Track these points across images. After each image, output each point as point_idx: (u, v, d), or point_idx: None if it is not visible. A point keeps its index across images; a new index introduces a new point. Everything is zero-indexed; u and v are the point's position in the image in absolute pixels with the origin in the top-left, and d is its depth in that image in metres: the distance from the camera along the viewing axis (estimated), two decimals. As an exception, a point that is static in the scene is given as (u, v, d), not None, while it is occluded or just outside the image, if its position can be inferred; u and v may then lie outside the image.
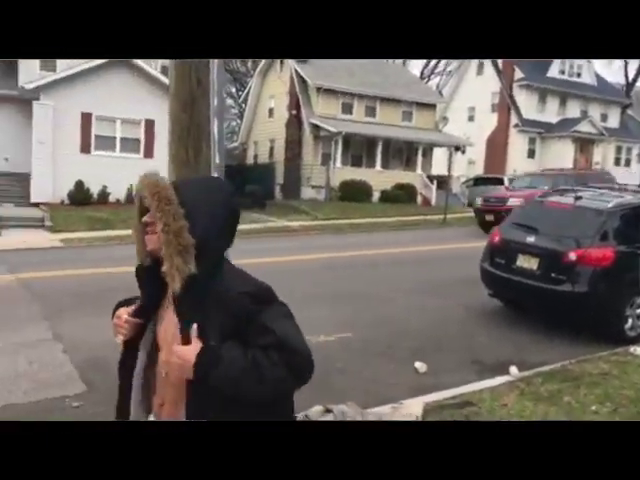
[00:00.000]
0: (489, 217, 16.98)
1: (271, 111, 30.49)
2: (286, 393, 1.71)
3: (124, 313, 1.78)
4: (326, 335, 6.60)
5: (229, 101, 42.08)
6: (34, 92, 19.39)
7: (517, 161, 32.68)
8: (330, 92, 26.14)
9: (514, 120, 33.30)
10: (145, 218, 1.70)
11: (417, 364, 5.71)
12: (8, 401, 4.61)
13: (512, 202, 16.31)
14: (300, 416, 4.07)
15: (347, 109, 27.00)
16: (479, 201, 18.20)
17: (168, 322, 1.73)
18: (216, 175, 3.07)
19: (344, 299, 8.43)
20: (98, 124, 20.46)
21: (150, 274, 1.73)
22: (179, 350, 1.59)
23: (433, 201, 25.48)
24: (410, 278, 10.03)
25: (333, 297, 8.56)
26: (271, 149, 30.05)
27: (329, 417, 4.05)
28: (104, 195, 20.07)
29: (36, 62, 20.54)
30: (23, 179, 19.57)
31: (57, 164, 19.36)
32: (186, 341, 1.60)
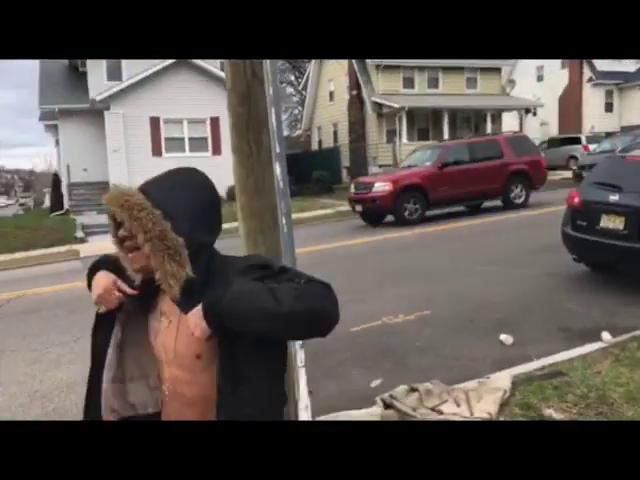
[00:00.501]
0: (358, 208, 14.68)
1: (331, 94, 30.38)
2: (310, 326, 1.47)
3: (113, 285, 1.59)
4: (405, 314, 6.55)
5: (289, 89, 42.25)
6: (104, 103, 20.23)
7: (594, 117, 31.03)
8: (390, 68, 25.72)
9: (587, 74, 31.57)
10: (120, 232, 1.53)
11: (502, 336, 5.56)
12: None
13: (378, 188, 13.96)
14: (385, 396, 4.07)
15: (409, 83, 26.51)
16: (352, 188, 15.49)
17: (167, 336, 1.58)
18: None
19: (421, 277, 8.33)
20: (166, 127, 21.12)
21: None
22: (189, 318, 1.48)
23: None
24: (488, 249, 9.78)
25: (409, 276, 8.47)
26: (335, 133, 29.99)
27: (414, 396, 4.02)
28: (178, 194, 20.73)
29: (103, 73, 21.40)
30: (102, 187, 20.51)
31: (132, 170, 20.16)
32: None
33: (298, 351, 2.89)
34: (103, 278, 1.61)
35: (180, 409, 1.60)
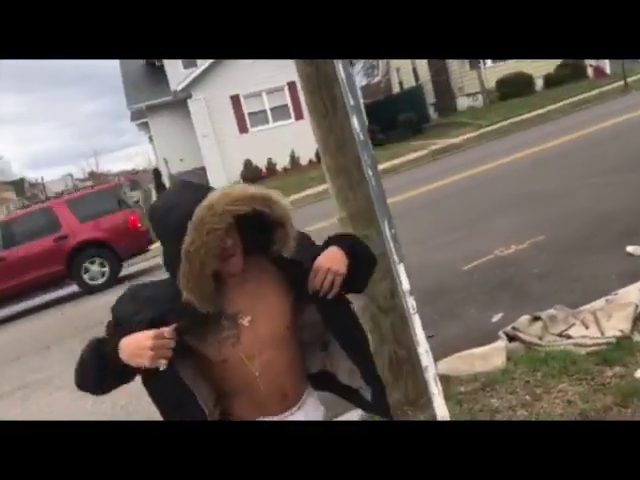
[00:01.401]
0: None
1: (404, 33, 29.28)
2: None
3: (157, 334, 1.43)
4: (517, 244, 6.32)
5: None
6: (185, 91, 20.85)
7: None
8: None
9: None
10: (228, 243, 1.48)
11: (629, 248, 5.21)
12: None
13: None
14: (508, 329, 3.98)
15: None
16: None
17: (257, 328, 1.55)
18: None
19: (528, 202, 7.97)
20: (247, 102, 21.43)
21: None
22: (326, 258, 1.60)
23: (608, 69, 22.68)
24: (598, 160, 9.14)
25: (516, 204, 8.13)
26: (414, 70, 28.99)
27: (538, 325, 3.89)
28: (271, 167, 21.10)
29: (178, 63, 21.95)
30: (200, 173, 21.30)
31: (223, 151, 20.75)
32: None
33: (408, 298, 2.88)
34: (140, 335, 1.44)
35: (279, 380, 1.61)
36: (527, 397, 3.16)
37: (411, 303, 2.90)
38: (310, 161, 19.89)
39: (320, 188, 14.06)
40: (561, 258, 5.56)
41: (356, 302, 3.54)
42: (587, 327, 3.69)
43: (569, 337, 3.67)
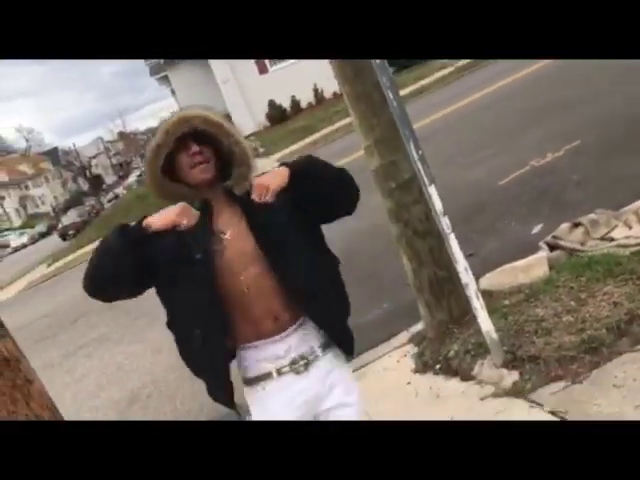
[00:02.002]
0: None
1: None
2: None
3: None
4: (553, 152, 6.15)
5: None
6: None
7: None
8: None
9: None
10: (194, 147, 1.69)
11: (668, 144, 5.03)
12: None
13: None
14: (549, 238, 3.93)
15: None
16: None
17: (239, 243, 1.69)
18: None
19: (561, 110, 7.67)
20: (263, 41, 20.99)
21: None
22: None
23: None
24: (615, 63, 8.65)
25: (548, 112, 7.83)
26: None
27: (579, 230, 3.84)
28: (296, 104, 20.80)
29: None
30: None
31: (245, 94, 20.52)
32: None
33: (442, 218, 2.87)
34: (181, 204, 1.70)
35: (267, 300, 1.70)
36: (572, 303, 3.16)
37: (445, 223, 2.90)
38: (335, 94, 19.51)
39: (348, 120, 13.86)
40: (599, 161, 5.40)
41: (391, 230, 3.56)
42: (630, 227, 3.62)
43: (612, 239, 3.61)
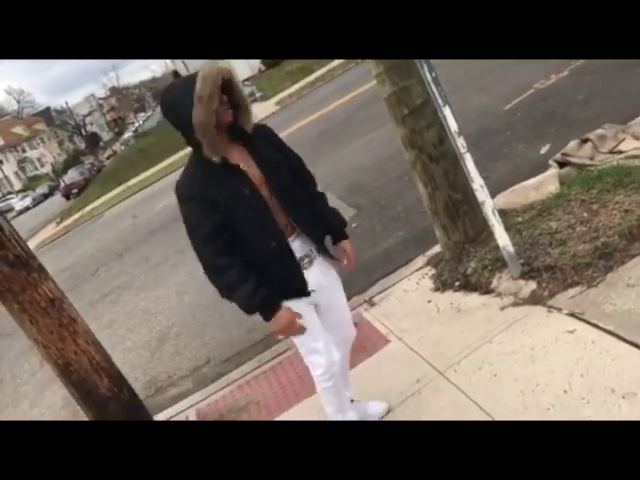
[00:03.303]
0: None
1: None
2: None
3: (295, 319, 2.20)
4: (557, 73, 6.14)
5: None
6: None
7: None
8: None
9: None
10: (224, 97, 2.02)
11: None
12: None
13: None
14: (557, 156, 4.02)
15: None
16: None
17: (251, 169, 2.12)
18: None
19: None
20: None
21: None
22: None
23: None
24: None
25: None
26: None
27: (588, 146, 3.91)
28: (290, 45, 20.47)
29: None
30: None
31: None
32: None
33: (457, 138, 2.95)
34: (289, 314, 2.17)
35: (278, 215, 2.18)
36: (584, 214, 3.28)
37: (461, 143, 2.99)
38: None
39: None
40: (604, 78, 5.42)
41: (406, 156, 3.65)
42: (638, 139, 3.70)
43: (620, 152, 3.70)
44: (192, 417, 3.65)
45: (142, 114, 67.52)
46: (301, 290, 2.25)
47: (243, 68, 20.18)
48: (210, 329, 4.74)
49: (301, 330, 2.21)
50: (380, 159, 5.99)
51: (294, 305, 2.23)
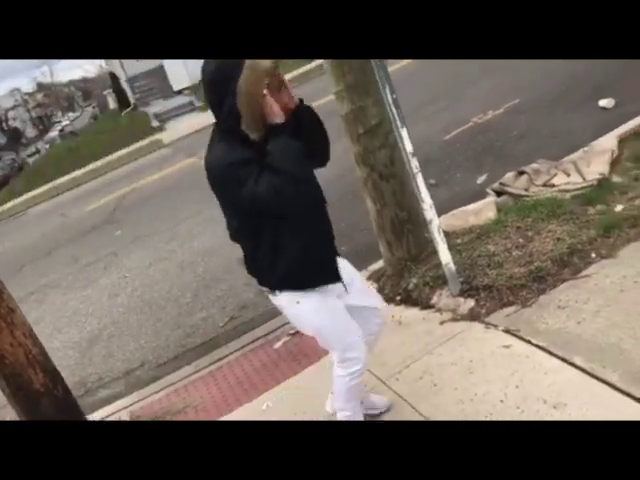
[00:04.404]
0: None
1: None
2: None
3: None
4: (494, 110, 6.52)
5: None
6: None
7: None
8: None
9: None
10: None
11: (602, 102, 5.46)
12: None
13: None
14: (495, 185, 4.28)
15: None
16: None
17: None
18: None
19: (500, 69, 8.04)
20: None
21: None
22: None
23: None
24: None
25: (487, 71, 8.20)
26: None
27: (523, 178, 4.19)
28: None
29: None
30: (160, 74, 20.56)
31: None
32: None
33: (411, 159, 3.11)
34: None
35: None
36: (520, 240, 3.51)
37: (415, 164, 3.15)
38: (272, 50, 19.34)
39: (302, 69, 13.87)
40: (537, 118, 5.81)
41: (358, 173, 3.78)
42: (569, 175, 4.01)
43: (553, 186, 3.99)
44: (125, 419, 3.57)
45: (71, 114, 65.07)
46: (336, 274, 2.21)
47: (182, 76, 20.01)
48: (145, 332, 4.66)
49: None
50: (327, 178, 6.11)
51: (325, 298, 2.17)
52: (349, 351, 2.28)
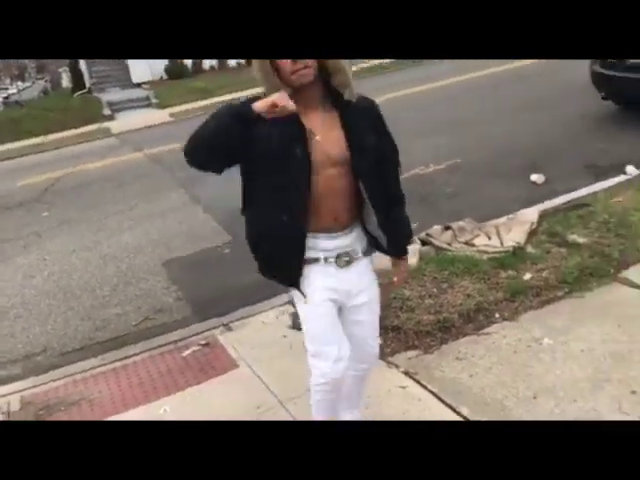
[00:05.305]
0: None
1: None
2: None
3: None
4: (435, 164, 6.83)
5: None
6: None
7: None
8: None
9: None
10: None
11: (533, 177, 5.84)
12: (169, 256, 5.43)
13: None
14: (422, 235, 4.50)
15: None
16: None
17: (326, 145, 1.95)
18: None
19: (449, 128, 8.45)
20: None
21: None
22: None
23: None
24: (516, 96, 9.72)
25: (437, 128, 8.60)
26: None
27: (448, 233, 4.43)
28: (198, 64, 20.41)
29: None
30: (120, 62, 20.24)
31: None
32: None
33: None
34: (280, 92, 1.84)
35: (333, 201, 2.01)
36: (434, 290, 3.71)
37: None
38: (238, 64, 19.47)
39: (251, 92, 13.95)
40: (473, 180, 6.14)
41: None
42: (489, 238, 4.27)
43: (473, 245, 4.24)
44: (15, 403, 3.48)
45: (20, 83, 62.58)
46: (293, 283, 2.10)
47: (144, 70, 19.79)
48: (54, 319, 4.55)
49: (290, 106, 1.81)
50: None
51: (313, 294, 2.07)
52: (316, 358, 2.17)
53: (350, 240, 2.11)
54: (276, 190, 1.98)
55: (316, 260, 2.08)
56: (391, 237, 2.17)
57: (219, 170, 2.01)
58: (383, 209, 2.10)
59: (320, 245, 2.07)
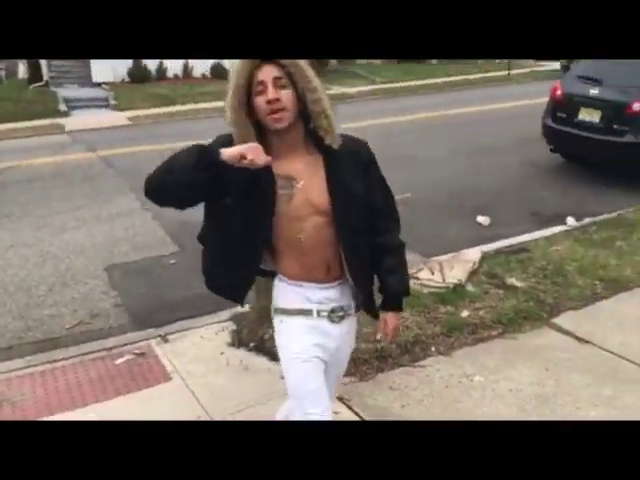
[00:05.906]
0: None
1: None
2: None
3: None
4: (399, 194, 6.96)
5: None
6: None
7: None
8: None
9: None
10: (275, 74, 1.72)
11: (480, 218, 6.04)
12: (112, 262, 5.32)
13: None
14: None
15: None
16: None
17: (309, 192, 1.83)
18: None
19: (403, 163, 8.63)
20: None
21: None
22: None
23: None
24: (471, 139, 10.06)
25: (390, 161, 8.74)
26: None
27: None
28: (162, 71, 20.24)
29: None
30: (83, 60, 19.86)
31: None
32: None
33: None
34: (254, 143, 1.72)
35: (322, 250, 1.88)
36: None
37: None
38: (203, 75, 19.42)
39: (213, 105, 13.97)
40: (422, 215, 6.29)
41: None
42: (432, 273, 4.38)
43: (417, 279, 4.33)
44: None
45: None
46: (238, 299, 2.02)
47: (106, 70, 19.48)
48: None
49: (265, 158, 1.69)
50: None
51: (300, 350, 1.90)
52: (299, 412, 1.96)
53: (340, 293, 1.97)
54: (234, 234, 1.87)
55: (308, 312, 1.94)
56: (382, 289, 2.05)
57: (182, 207, 1.87)
58: (370, 263, 1.99)
59: (312, 296, 1.93)
